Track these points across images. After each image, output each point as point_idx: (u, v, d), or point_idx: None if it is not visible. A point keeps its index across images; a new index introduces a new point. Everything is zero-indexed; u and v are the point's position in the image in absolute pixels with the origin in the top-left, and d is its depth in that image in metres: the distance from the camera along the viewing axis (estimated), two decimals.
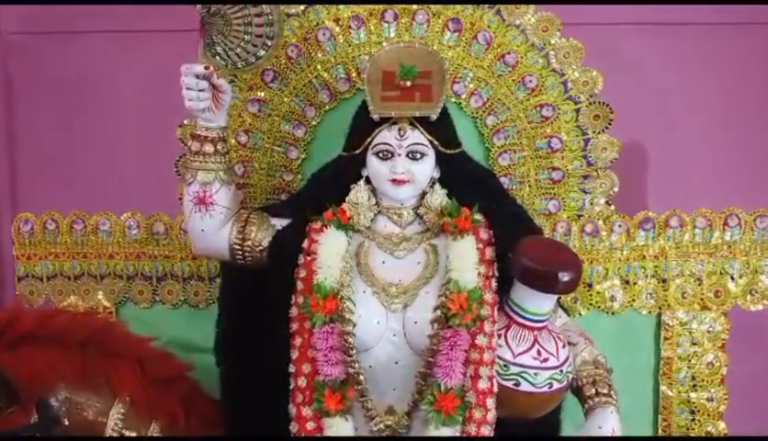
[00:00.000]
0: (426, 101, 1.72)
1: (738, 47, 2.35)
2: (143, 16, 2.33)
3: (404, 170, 1.71)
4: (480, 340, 1.62)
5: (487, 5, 2.04)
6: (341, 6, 2.05)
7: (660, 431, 2.19)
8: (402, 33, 2.05)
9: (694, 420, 2.18)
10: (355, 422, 1.67)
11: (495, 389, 1.62)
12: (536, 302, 1.62)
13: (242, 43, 1.77)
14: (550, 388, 1.62)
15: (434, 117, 1.72)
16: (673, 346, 2.16)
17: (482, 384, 1.60)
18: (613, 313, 2.14)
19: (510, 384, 1.62)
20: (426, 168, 1.74)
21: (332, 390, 1.63)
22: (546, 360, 1.62)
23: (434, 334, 1.63)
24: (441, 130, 1.75)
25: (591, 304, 2.14)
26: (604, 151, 2.09)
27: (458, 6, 2.04)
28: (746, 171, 2.38)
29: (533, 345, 1.63)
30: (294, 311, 1.71)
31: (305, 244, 1.75)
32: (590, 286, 2.13)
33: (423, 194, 1.77)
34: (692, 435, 2.18)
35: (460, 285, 1.63)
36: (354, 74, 2.06)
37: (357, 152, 1.75)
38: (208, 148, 1.77)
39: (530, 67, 2.06)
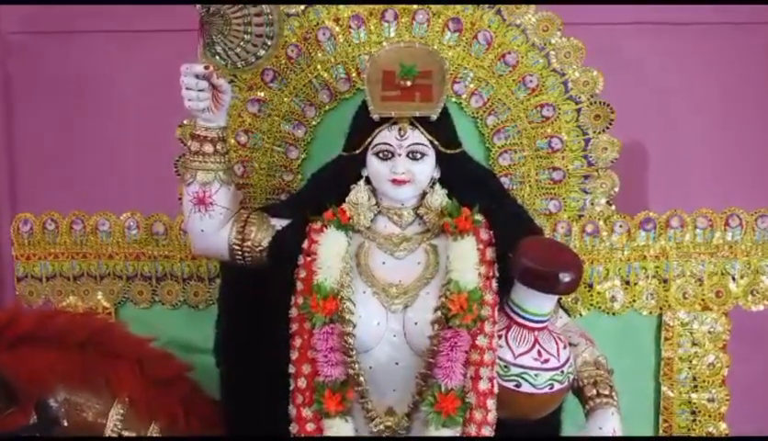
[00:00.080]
0: (426, 101, 1.71)
1: (738, 47, 2.34)
2: (143, 16, 2.33)
3: (404, 170, 1.71)
4: (481, 341, 1.61)
5: (487, 5, 2.04)
6: (341, 6, 2.04)
7: (660, 432, 2.18)
8: (402, 33, 2.05)
9: (695, 421, 2.18)
10: (356, 423, 1.67)
11: (496, 390, 1.61)
12: (536, 303, 1.62)
13: (241, 43, 1.76)
14: (551, 389, 1.62)
15: (434, 117, 1.72)
16: (674, 347, 2.15)
17: (483, 385, 1.60)
18: (613, 314, 2.14)
19: (511, 385, 1.62)
20: (426, 168, 1.73)
21: (332, 391, 1.63)
22: (546, 361, 1.62)
23: (434, 335, 1.62)
24: (441, 130, 1.75)
25: (591, 305, 2.14)
26: (605, 151, 2.08)
27: (459, 6, 2.03)
28: (747, 171, 2.38)
29: (533, 346, 1.62)
30: (294, 312, 1.70)
31: (305, 245, 1.74)
32: (590, 286, 2.13)
33: (424, 194, 1.77)
34: (693, 435, 2.17)
35: (461, 285, 1.62)
36: (354, 74, 2.06)
37: (357, 152, 1.75)
38: (208, 148, 1.76)
39: (530, 67, 2.05)
